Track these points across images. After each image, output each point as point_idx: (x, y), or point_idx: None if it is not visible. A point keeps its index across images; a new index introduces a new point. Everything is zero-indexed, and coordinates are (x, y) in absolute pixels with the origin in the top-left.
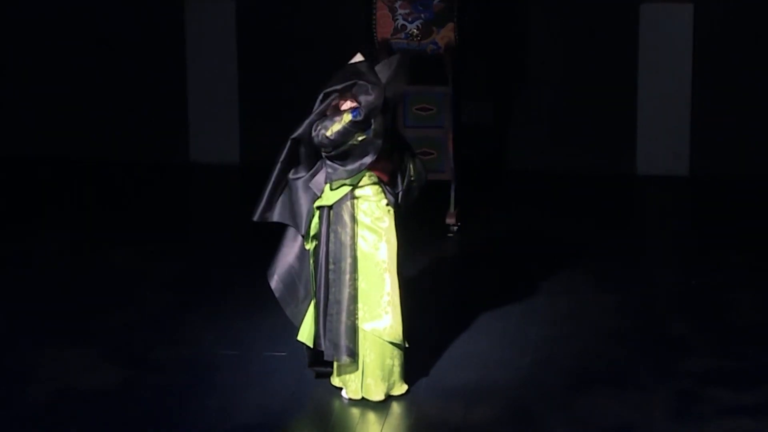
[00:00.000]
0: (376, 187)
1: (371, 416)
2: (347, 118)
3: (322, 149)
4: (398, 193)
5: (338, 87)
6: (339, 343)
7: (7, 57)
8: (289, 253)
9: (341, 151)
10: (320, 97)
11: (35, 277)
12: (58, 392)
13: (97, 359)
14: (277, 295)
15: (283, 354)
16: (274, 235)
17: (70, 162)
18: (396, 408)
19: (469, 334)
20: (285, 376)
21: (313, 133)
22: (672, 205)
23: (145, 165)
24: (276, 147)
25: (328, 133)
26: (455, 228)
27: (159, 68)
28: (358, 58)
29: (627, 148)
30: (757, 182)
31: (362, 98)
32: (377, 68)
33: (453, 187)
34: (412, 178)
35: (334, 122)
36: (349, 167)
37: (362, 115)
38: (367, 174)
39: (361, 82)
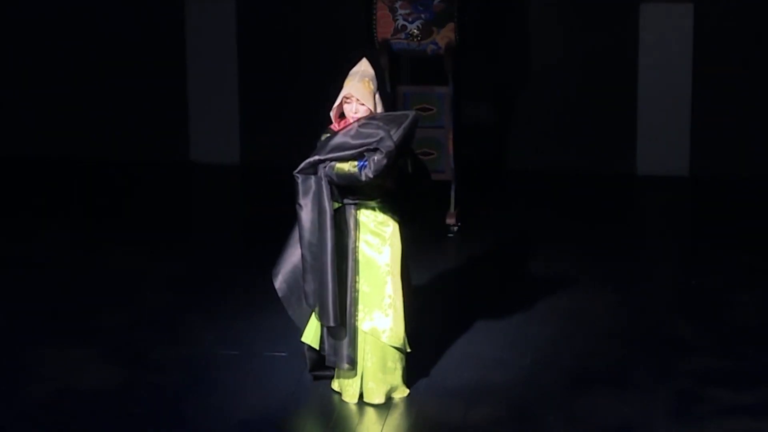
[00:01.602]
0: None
1: (371, 416)
2: (353, 168)
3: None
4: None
5: (347, 154)
6: (340, 350)
7: (7, 57)
8: (294, 254)
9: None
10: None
11: (35, 277)
12: (58, 392)
13: (97, 359)
14: (280, 295)
15: (283, 354)
16: (275, 235)
17: (70, 162)
18: (396, 408)
19: (469, 334)
20: (285, 376)
21: (322, 165)
22: (672, 205)
23: (145, 165)
24: (276, 147)
25: (334, 172)
26: (455, 228)
27: (159, 68)
28: (364, 63)
29: (627, 148)
30: (757, 182)
31: (374, 158)
32: (387, 116)
33: (453, 187)
34: (416, 181)
35: (342, 162)
36: (347, 198)
37: (370, 173)
38: None
39: (374, 144)
